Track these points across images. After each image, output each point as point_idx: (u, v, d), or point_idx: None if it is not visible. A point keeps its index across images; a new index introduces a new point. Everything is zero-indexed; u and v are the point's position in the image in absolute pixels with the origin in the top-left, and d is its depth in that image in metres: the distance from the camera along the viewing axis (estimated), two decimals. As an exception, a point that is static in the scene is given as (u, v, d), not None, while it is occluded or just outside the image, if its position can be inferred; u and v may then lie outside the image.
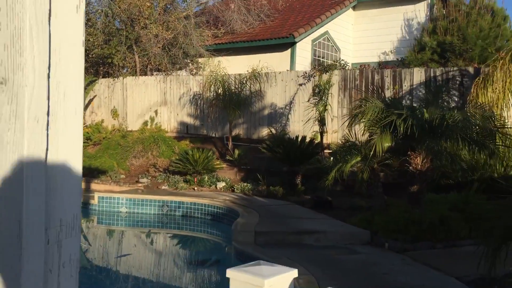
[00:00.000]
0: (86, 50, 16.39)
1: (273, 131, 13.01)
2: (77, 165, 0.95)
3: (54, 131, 0.88)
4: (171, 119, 15.65)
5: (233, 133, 13.33)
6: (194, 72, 17.27)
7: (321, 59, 16.94)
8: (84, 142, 15.67)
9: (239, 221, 7.21)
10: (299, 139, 10.23)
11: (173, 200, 9.49)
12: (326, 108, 11.17)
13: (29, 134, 0.84)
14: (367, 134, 6.82)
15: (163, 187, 10.92)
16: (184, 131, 15.36)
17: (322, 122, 11.17)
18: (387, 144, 6.10)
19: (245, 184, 10.46)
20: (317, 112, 11.17)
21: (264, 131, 13.67)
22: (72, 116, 0.92)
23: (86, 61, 17.24)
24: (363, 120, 6.33)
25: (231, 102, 12.46)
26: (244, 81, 12.80)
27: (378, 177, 7.11)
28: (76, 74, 0.94)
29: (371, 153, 6.05)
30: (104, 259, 7.35)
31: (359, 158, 6.76)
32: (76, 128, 0.94)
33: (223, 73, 13.05)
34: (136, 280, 6.35)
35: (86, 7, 15.86)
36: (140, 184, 11.24)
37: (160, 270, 6.78)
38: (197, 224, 9.12)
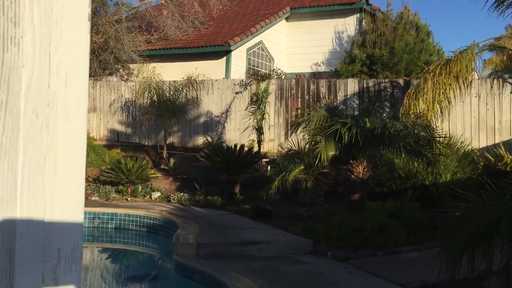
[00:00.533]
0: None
1: (209, 139, 12.79)
2: (80, 176, 0.73)
3: (53, 130, 0.66)
4: (100, 126, 14.96)
5: (168, 142, 12.95)
6: (125, 78, 16.65)
7: (255, 68, 16.98)
8: (3, 150, 14.55)
9: (179, 233, 6.91)
10: (238, 147, 10.10)
11: (105, 212, 8.97)
12: (264, 116, 11.13)
13: (25, 132, 0.61)
14: (308, 142, 6.80)
15: (93, 198, 10.32)
16: (115, 139, 14.73)
17: (260, 130, 11.13)
18: (331, 153, 6.12)
19: (182, 194, 10.14)
20: (255, 120, 11.11)
21: (200, 140, 13.41)
22: (74, 110, 0.70)
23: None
24: (307, 128, 6.31)
25: (167, 110, 12.09)
26: (180, 88, 12.49)
27: (320, 186, 7.12)
28: (80, 55, 0.72)
29: (317, 161, 6.03)
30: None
31: (302, 167, 6.73)
32: (80, 126, 0.72)
33: (157, 80, 12.66)
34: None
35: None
36: (68, 195, 10.54)
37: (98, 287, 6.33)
38: (132, 237, 8.67)
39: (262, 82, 12.05)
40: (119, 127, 14.70)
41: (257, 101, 11.12)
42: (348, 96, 11.57)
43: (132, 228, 8.79)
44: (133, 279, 6.49)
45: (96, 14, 16.41)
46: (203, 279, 5.67)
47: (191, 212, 8.93)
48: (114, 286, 6.33)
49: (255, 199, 10.01)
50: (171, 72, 14.78)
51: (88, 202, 9.87)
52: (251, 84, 12.72)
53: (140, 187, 10.70)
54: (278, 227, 7.77)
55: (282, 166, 7.10)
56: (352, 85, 11.72)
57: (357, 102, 11.45)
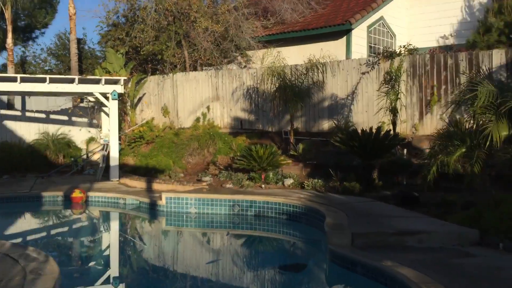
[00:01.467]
0: (137, 47, 16.09)
1: (336, 123, 12.38)
2: None
3: None
4: (224, 114, 15.20)
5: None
6: (243, 66, 16.76)
7: (376, 46, 16.14)
8: (137, 141, 15.44)
9: (330, 222, 6.63)
10: (373, 131, 9.56)
11: (244, 199, 8.99)
12: (399, 96, 10.44)
13: None
14: (474, 122, 6.10)
15: (228, 186, 10.44)
16: (238, 127, 14.88)
17: (394, 111, 10.46)
18: (504, 133, 5.40)
19: (315, 180, 9.86)
20: (389, 101, 10.46)
21: (325, 124, 13.04)
22: None
23: (135, 58, 17.01)
24: (474, 106, 5.63)
25: (293, 94, 11.87)
26: (305, 71, 12.18)
27: (485, 170, 6.39)
28: None
29: (487, 143, 5.35)
30: (189, 264, 6.90)
31: (463, 150, 6.06)
32: None
33: (281, 65, 12.45)
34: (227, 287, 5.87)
35: (134, 3, 15.29)
36: (204, 183, 10.80)
37: (253, 277, 6.26)
38: (272, 224, 8.58)
39: (392, 60, 11.32)
40: (242, 115, 14.82)
41: (390, 80, 10.45)
42: (493, 70, 10.43)
43: (271, 216, 8.71)
44: (287, 268, 6.33)
45: (214, 3, 16.67)
46: (366, 270, 5.32)
47: (330, 199, 8.62)
48: (269, 275, 6.22)
49: (394, 185, 9.44)
50: (288, 56, 14.49)
51: (223, 190, 10.01)
52: (378, 63, 12.02)
53: (271, 174, 10.63)
54: (431, 215, 7.18)
55: (439, 149, 6.47)
56: (498, 57, 10.53)
57: (505, 75, 10.28)
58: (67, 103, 17.70)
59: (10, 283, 4.29)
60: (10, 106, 18.88)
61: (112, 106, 12.34)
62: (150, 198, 9.68)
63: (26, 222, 10.12)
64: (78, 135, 15.82)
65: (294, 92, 11.91)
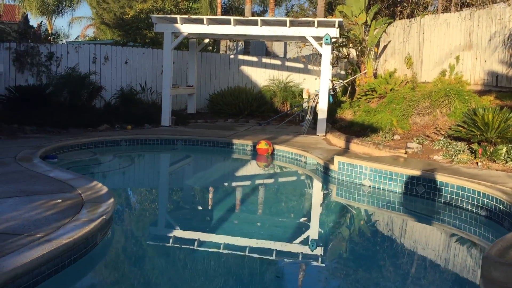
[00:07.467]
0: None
1: None
2: None
3: None
4: (475, 67, 11.94)
5: None
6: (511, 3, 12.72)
7: None
8: (368, 94, 13.71)
9: None
10: None
11: (433, 179, 6.58)
12: None
13: None
14: None
15: (435, 157, 7.99)
16: (492, 84, 11.47)
17: None
18: None
19: None
20: None
21: None
22: None
23: (381, 0, 14.99)
24: None
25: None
26: None
27: None
28: None
29: None
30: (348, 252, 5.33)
31: None
32: None
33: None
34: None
35: None
36: (405, 150, 8.59)
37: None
38: (465, 220, 6.00)
39: None
40: (499, 68, 11.31)
41: None
42: None
43: (466, 208, 6.12)
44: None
45: None
46: None
47: None
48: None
49: None
50: None
51: (422, 162, 7.64)
52: None
53: (504, 149, 7.60)
54: None
55: None
56: None
57: None
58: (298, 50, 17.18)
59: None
60: (268, 53, 19.57)
61: (325, 52, 11.01)
62: (325, 160, 8.18)
63: (203, 167, 9.99)
64: (312, 84, 15.13)
65: None
